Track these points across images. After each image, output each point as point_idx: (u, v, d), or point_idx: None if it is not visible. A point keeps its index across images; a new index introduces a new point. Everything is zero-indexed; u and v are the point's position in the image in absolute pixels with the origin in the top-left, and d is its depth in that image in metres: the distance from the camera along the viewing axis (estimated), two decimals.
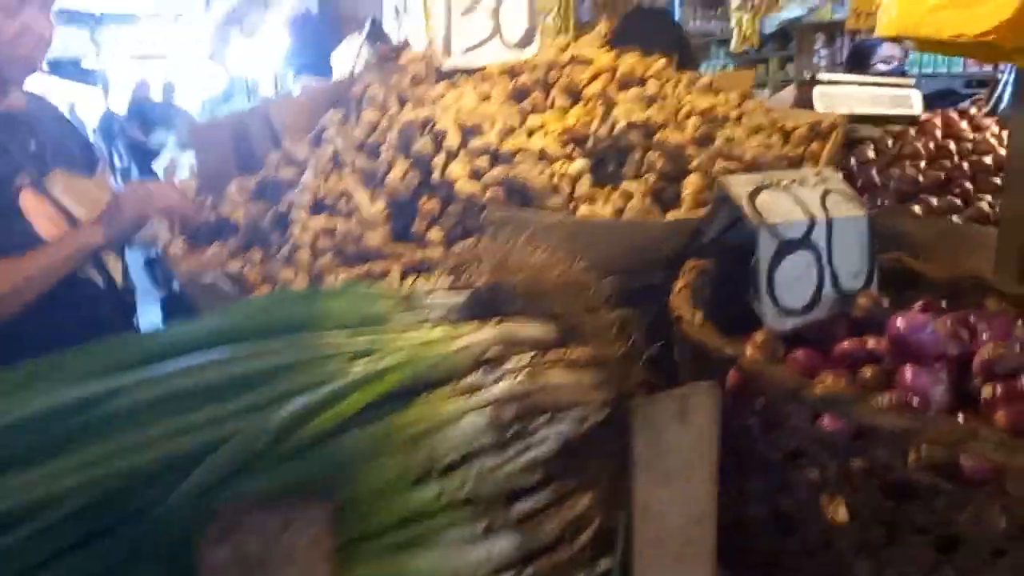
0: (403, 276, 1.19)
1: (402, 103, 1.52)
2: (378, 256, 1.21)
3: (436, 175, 1.27)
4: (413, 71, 1.58)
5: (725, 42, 5.77)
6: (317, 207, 1.36)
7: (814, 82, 2.10)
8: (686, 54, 2.86)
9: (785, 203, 1.07)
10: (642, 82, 1.38)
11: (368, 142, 1.44)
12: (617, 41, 3.01)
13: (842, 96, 2.11)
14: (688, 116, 1.29)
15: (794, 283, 1.05)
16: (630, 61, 1.41)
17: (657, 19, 3.13)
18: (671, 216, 1.17)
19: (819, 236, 1.07)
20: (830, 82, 2.16)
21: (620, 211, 1.16)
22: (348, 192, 1.36)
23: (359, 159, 1.42)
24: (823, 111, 2.02)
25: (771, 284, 1.04)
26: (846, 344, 0.99)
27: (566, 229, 1.03)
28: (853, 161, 1.79)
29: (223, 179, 1.54)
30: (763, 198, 1.06)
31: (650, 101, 1.34)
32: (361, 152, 1.44)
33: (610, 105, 1.27)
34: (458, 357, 0.60)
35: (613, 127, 1.24)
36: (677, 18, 4.84)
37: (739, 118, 1.37)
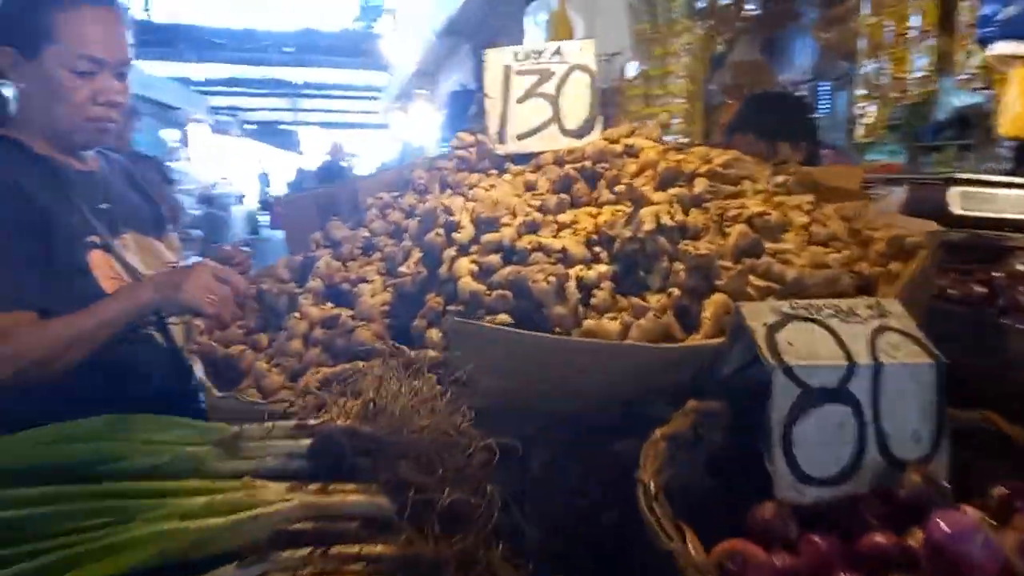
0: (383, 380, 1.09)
1: (443, 189, 1.46)
2: (366, 354, 1.12)
3: (443, 269, 1.17)
4: (461, 155, 1.51)
5: (895, 127, 5.31)
6: (331, 293, 1.31)
7: (950, 181, 1.80)
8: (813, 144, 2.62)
9: (818, 340, 0.86)
10: (691, 179, 1.22)
11: (399, 228, 1.39)
12: (735, 128, 2.82)
13: (991, 198, 1.79)
14: (735, 222, 1.11)
15: (820, 444, 0.83)
16: (678, 155, 1.26)
17: (783, 104, 2.90)
18: (688, 341, 0.98)
19: (860, 386, 0.84)
20: (974, 181, 1.85)
21: (627, 328, 1.00)
22: (365, 280, 1.30)
23: (389, 246, 1.37)
24: (961, 213, 1.72)
25: (788, 443, 0.83)
26: (878, 537, 0.75)
27: (534, 347, 0.88)
28: (997, 275, 1.47)
29: (307, 242, 1.52)
30: (788, 332, 0.86)
31: (695, 202, 1.17)
32: (391, 239, 1.39)
33: (640, 204, 1.11)
34: (242, 531, 0.49)
35: (638, 229, 1.09)
36: (829, 103, 4.50)
37: (807, 226, 1.17)
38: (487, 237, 1.16)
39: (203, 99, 18.18)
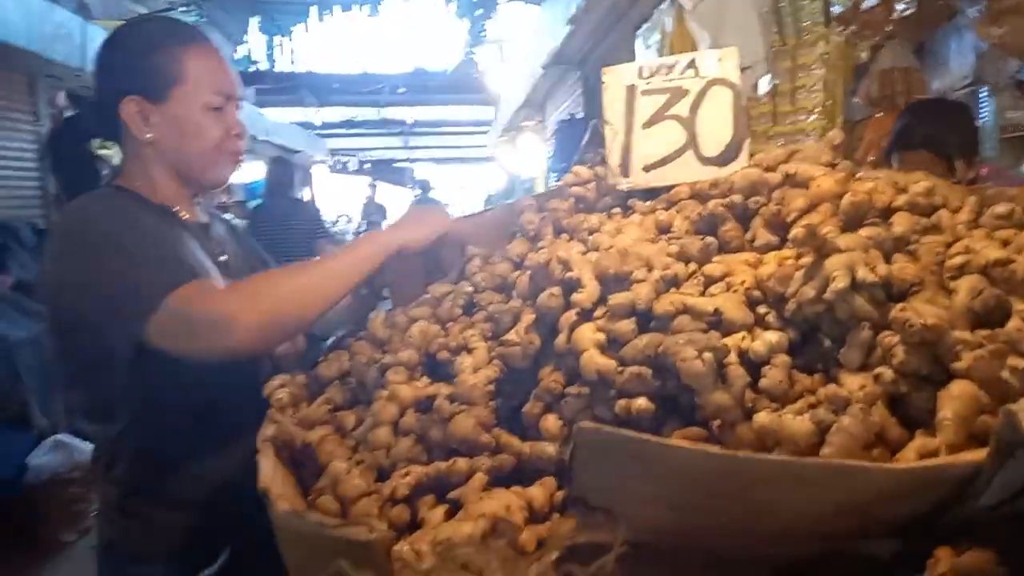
0: (489, 483, 0.85)
1: (558, 235, 1.22)
2: (467, 449, 0.89)
3: (561, 339, 0.93)
4: (578, 193, 1.28)
5: None
6: (429, 364, 1.09)
7: None
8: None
9: None
10: (886, 215, 0.92)
11: (506, 283, 1.16)
12: (901, 143, 2.43)
13: None
14: (960, 273, 0.81)
15: None
16: (867, 184, 0.96)
17: (958, 115, 2.49)
18: (915, 450, 0.69)
19: None
20: None
21: (823, 428, 0.72)
22: (467, 348, 1.07)
23: (495, 303, 1.14)
24: None
25: None
26: None
27: (700, 467, 0.62)
28: None
29: (413, 297, 1.33)
30: None
31: (897, 246, 0.87)
32: (497, 295, 1.16)
33: (824, 252, 0.83)
34: None
35: (825, 287, 0.81)
36: (991, 109, 3.96)
37: None
38: (616, 298, 0.90)
39: (323, 142, 19.08)
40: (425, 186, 11.39)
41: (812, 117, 3.17)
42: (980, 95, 4.23)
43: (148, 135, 1.35)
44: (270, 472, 0.89)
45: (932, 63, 3.29)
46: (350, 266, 1.25)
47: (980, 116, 4.72)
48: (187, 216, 1.42)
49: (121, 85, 1.34)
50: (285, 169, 5.93)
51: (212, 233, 1.50)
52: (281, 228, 5.24)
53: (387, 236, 1.31)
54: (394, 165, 21.98)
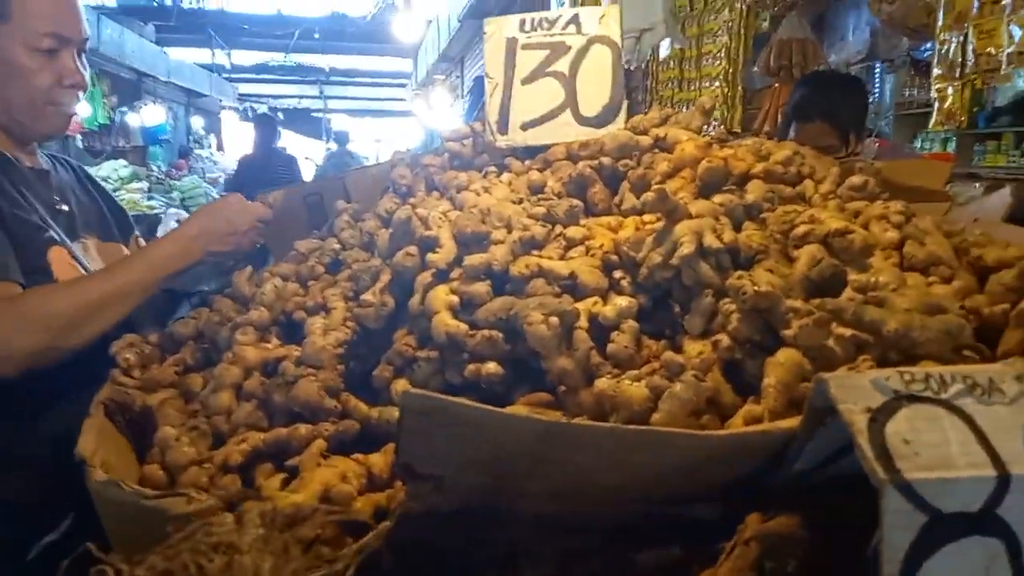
0: (328, 451, 0.82)
1: (430, 192, 1.18)
2: (310, 414, 0.85)
3: (415, 301, 0.90)
4: (454, 149, 1.23)
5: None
6: (286, 326, 1.04)
7: None
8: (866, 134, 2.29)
9: (950, 437, 0.57)
10: (742, 181, 0.92)
11: (373, 242, 1.11)
12: (799, 114, 2.48)
13: None
14: (803, 242, 0.81)
15: None
16: (724, 151, 0.96)
17: (853, 88, 2.54)
18: (742, 416, 0.70)
19: (1016, 508, 0.55)
20: None
21: (657, 394, 0.71)
22: (325, 308, 1.03)
23: (360, 261, 1.09)
24: None
25: None
26: None
27: (522, 433, 0.60)
28: None
29: (289, 247, 1.26)
30: (903, 422, 0.57)
31: (749, 213, 0.88)
32: (362, 255, 1.11)
33: (675, 215, 0.82)
34: None
35: (673, 252, 0.80)
36: (889, 86, 4.11)
37: (900, 245, 0.87)
38: (471, 259, 0.88)
39: (232, 87, 18.13)
40: (342, 138, 11.02)
41: (715, 84, 3.20)
42: (875, 70, 4.41)
43: None
44: (93, 438, 0.83)
45: (830, 36, 3.39)
46: (130, 285, 1.17)
47: (874, 91, 4.93)
48: (26, 163, 1.30)
49: None
50: (269, 125, 7.31)
51: (53, 181, 1.37)
52: (266, 176, 6.09)
53: (165, 254, 1.20)
54: (311, 115, 21.21)
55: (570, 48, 1.24)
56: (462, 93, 10.07)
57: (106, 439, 0.87)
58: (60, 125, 1.32)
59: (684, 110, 3.42)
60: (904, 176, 1.26)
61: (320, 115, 20.73)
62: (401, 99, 18.41)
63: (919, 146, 5.13)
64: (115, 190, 6.99)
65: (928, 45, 3.17)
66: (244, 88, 18.93)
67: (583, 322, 0.82)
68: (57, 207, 1.33)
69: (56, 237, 1.26)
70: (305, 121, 20.27)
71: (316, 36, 15.59)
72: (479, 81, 7.66)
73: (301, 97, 21.10)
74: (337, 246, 1.18)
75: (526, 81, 1.22)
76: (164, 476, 0.80)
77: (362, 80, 20.01)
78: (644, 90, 3.61)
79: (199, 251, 1.21)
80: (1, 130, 1.27)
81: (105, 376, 1.01)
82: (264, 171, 6.43)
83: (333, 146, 11.00)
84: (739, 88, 3.05)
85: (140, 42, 11.45)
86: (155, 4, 14.41)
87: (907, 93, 5.19)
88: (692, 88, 3.48)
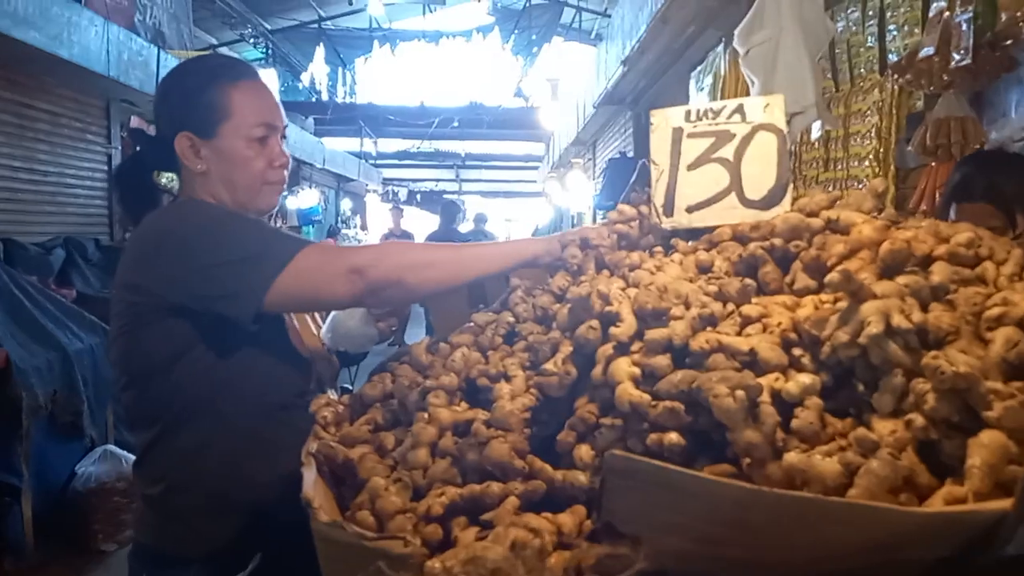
0: (521, 508, 0.88)
1: (599, 271, 1.25)
2: (501, 473, 0.92)
3: (597, 371, 0.96)
4: (621, 230, 1.31)
5: None
6: (469, 390, 1.13)
7: None
8: None
9: None
10: (926, 264, 0.93)
11: (548, 314, 1.19)
12: (959, 195, 2.39)
13: None
14: (997, 324, 0.81)
15: None
16: (907, 233, 0.97)
17: (1013, 165, 2.43)
18: (942, 496, 0.69)
19: None
20: None
21: (852, 470, 0.73)
22: (506, 376, 1.11)
23: (535, 334, 1.17)
24: None
25: None
26: None
27: (726, 500, 0.64)
28: None
29: (456, 325, 1.37)
30: None
31: (934, 295, 0.88)
32: (538, 327, 1.20)
33: (860, 297, 0.84)
34: None
35: (860, 331, 0.82)
36: None
37: None
38: (652, 334, 0.93)
39: (377, 171, 19.52)
40: (481, 219, 11.76)
41: (864, 164, 3.15)
42: None
43: (200, 167, 1.47)
44: (312, 484, 0.93)
45: (991, 114, 3.25)
46: (476, 259, 1.37)
47: None
48: None
49: (175, 121, 1.47)
50: (452, 207, 9.38)
51: None
52: None
53: (521, 245, 1.39)
54: (444, 197, 22.35)
55: (735, 136, 1.30)
56: (594, 175, 10.32)
57: (318, 487, 0.98)
58: (273, 202, 1.55)
59: (831, 189, 3.39)
60: None
61: (454, 196, 21.81)
62: (532, 180, 19.04)
63: None
64: None
65: None
66: (387, 172, 20.30)
67: (766, 397, 0.85)
68: None
69: None
70: (438, 203, 21.37)
71: (455, 125, 16.60)
72: (613, 164, 7.88)
73: (438, 180, 22.32)
74: (511, 319, 1.27)
75: (691, 167, 1.29)
76: (374, 522, 0.89)
77: (495, 164, 20.95)
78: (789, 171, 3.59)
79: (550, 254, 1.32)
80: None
81: (297, 434, 1.13)
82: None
83: (470, 225, 11.63)
84: (891, 167, 2.97)
85: (301, 134, 12.67)
86: (314, 99, 15.95)
87: None
88: (839, 168, 3.42)
